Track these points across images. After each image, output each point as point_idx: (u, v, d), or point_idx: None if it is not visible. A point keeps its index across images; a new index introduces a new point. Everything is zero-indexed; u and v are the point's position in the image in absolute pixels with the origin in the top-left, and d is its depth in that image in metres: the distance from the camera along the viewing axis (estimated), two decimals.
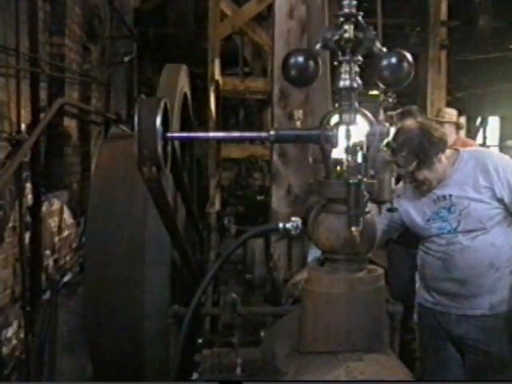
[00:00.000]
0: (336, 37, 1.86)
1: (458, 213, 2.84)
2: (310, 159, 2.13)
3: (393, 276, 4.02)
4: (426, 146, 2.77)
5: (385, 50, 1.87)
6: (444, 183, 2.88)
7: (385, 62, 1.85)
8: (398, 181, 3.07)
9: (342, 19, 1.86)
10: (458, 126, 5.43)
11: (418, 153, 2.76)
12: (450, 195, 2.86)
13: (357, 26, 1.86)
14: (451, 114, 5.41)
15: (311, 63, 1.83)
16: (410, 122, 2.93)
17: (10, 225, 4.15)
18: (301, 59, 1.84)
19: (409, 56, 1.87)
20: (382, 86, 1.88)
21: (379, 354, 1.91)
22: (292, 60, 1.85)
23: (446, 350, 3.02)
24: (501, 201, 2.81)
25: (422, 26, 8.40)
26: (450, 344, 3.01)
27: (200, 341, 2.72)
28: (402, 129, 2.77)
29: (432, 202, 2.92)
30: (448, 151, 2.89)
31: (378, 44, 1.87)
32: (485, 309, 2.88)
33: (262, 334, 2.53)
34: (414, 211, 2.98)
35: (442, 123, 5.28)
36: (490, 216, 2.82)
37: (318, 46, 1.88)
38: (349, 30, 1.84)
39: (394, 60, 1.85)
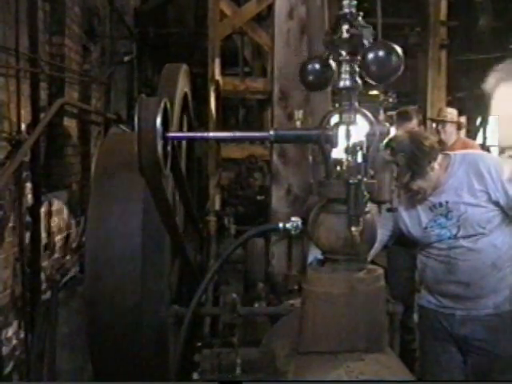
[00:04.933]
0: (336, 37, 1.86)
1: (456, 219, 2.84)
2: (310, 159, 2.13)
3: (393, 276, 4.02)
4: (418, 157, 2.76)
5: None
6: (439, 190, 2.87)
7: (371, 55, 1.80)
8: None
9: (341, 19, 1.86)
10: (459, 126, 5.44)
11: (410, 164, 2.75)
12: (446, 202, 2.86)
13: (357, 26, 1.86)
14: (453, 113, 5.42)
15: (326, 69, 1.97)
16: (400, 133, 2.93)
17: (10, 225, 4.15)
18: (317, 66, 2.00)
19: (398, 48, 1.77)
20: (370, 81, 1.85)
21: (379, 353, 1.91)
22: (309, 67, 2.02)
23: (447, 352, 3.02)
24: (496, 203, 2.80)
25: (422, 26, 8.40)
26: (451, 346, 3.01)
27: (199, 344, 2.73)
28: (392, 140, 2.76)
29: (428, 210, 2.91)
30: (439, 157, 2.87)
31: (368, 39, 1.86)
32: (489, 309, 2.88)
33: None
34: (409, 220, 2.97)
35: (444, 123, 5.29)
36: (488, 219, 2.81)
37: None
38: (349, 30, 1.84)
39: (381, 53, 1.77)
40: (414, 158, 2.75)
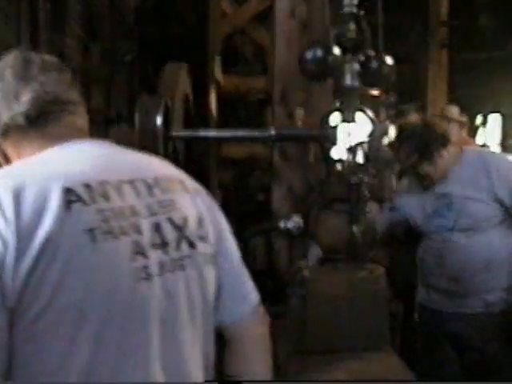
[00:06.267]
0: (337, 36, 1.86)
1: (456, 211, 2.84)
2: (311, 158, 2.14)
3: (395, 273, 4.01)
4: (427, 140, 2.78)
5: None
6: (446, 181, 2.89)
7: (365, 66, 1.90)
8: (399, 177, 3.08)
9: (343, 18, 1.87)
10: (461, 125, 5.43)
11: (419, 146, 2.77)
12: (451, 193, 2.87)
13: (359, 25, 1.86)
14: (456, 112, 5.42)
15: (326, 57, 1.88)
16: (414, 119, 2.95)
17: None
18: (318, 54, 1.87)
19: (389, 59, 1.93)
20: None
21: (380, 353, 1.91)
22: (309, 54, 1.88)
23: (442, 349, 3.02)
24: (501, 203, 2.80)
25: (423, 25, 8.39)
26: (446, 343, 3.01)
27: None
28: (405, 124, 2.80)
29: (433, 199, 2.92)
30: (452, 149, 2.88)
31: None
32: (479, 307, 2.87)
33: None
34: (415, 207, 2.98)
35: (451, 120, 5.27)
36: (486, 216, 2.81)
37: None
38: (350, 29, 1.85)
39: (374, 64, 1.93)
40: (423, 141, 2.76)
